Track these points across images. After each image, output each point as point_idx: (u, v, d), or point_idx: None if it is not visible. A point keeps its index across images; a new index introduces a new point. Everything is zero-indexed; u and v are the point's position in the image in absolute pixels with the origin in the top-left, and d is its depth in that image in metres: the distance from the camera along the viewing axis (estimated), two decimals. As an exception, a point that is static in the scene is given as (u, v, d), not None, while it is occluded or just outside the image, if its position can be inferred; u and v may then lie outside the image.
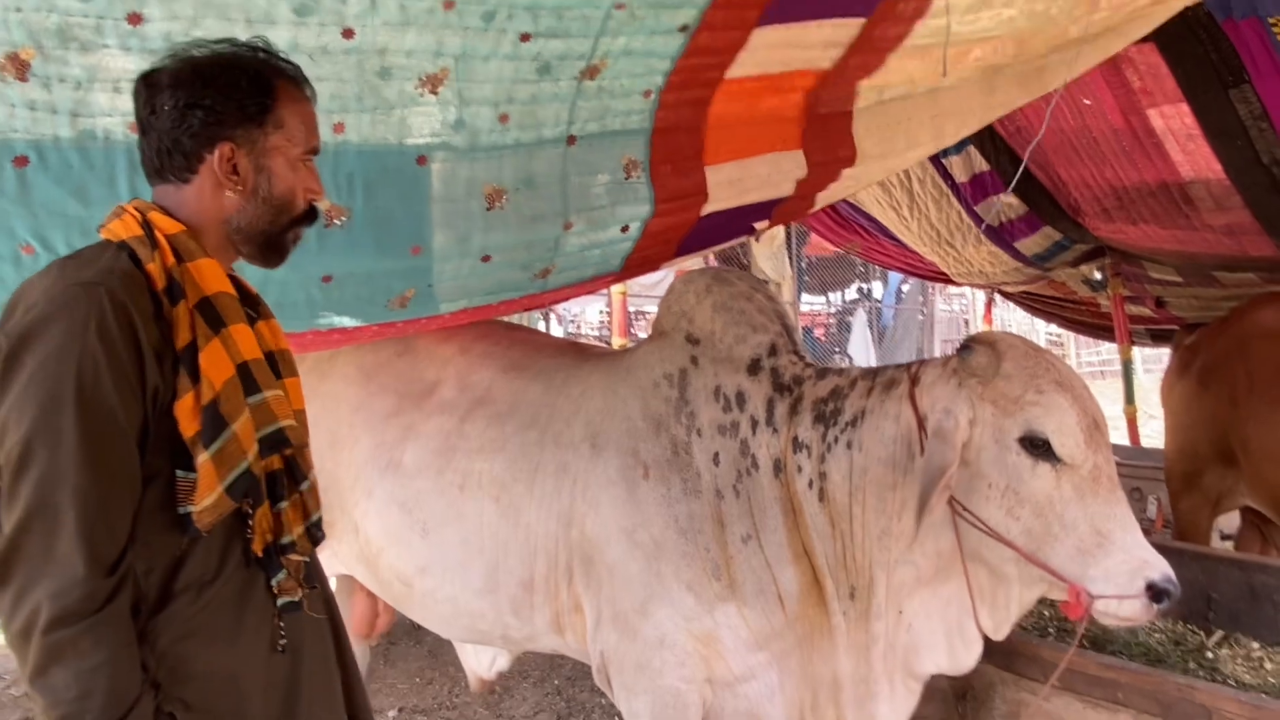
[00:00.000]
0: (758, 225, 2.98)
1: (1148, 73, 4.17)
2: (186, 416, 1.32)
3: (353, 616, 3.05)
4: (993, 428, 2.08)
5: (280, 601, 1.45)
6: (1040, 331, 13.38)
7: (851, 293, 14.16)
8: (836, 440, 2.28)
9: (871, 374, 2.36)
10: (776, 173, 2.82)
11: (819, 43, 2.37)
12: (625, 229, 2.62)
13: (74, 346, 1.24)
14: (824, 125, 2.78)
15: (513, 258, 2.48)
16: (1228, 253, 5.06)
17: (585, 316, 16.61)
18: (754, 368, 2.44)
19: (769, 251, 13.31)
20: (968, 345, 2.17)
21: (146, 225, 1.40)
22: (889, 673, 2.28)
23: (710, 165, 2.64)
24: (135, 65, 1.65)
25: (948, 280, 7.04)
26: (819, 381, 2.39)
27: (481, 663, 3.14)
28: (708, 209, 2.71)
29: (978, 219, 5.81)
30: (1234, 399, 3.90)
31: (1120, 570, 1.95)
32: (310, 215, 1.51)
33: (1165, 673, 2.26)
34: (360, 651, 3.18)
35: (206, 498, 1.32)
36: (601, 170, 2.47)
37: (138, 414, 1.29)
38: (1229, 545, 4.46)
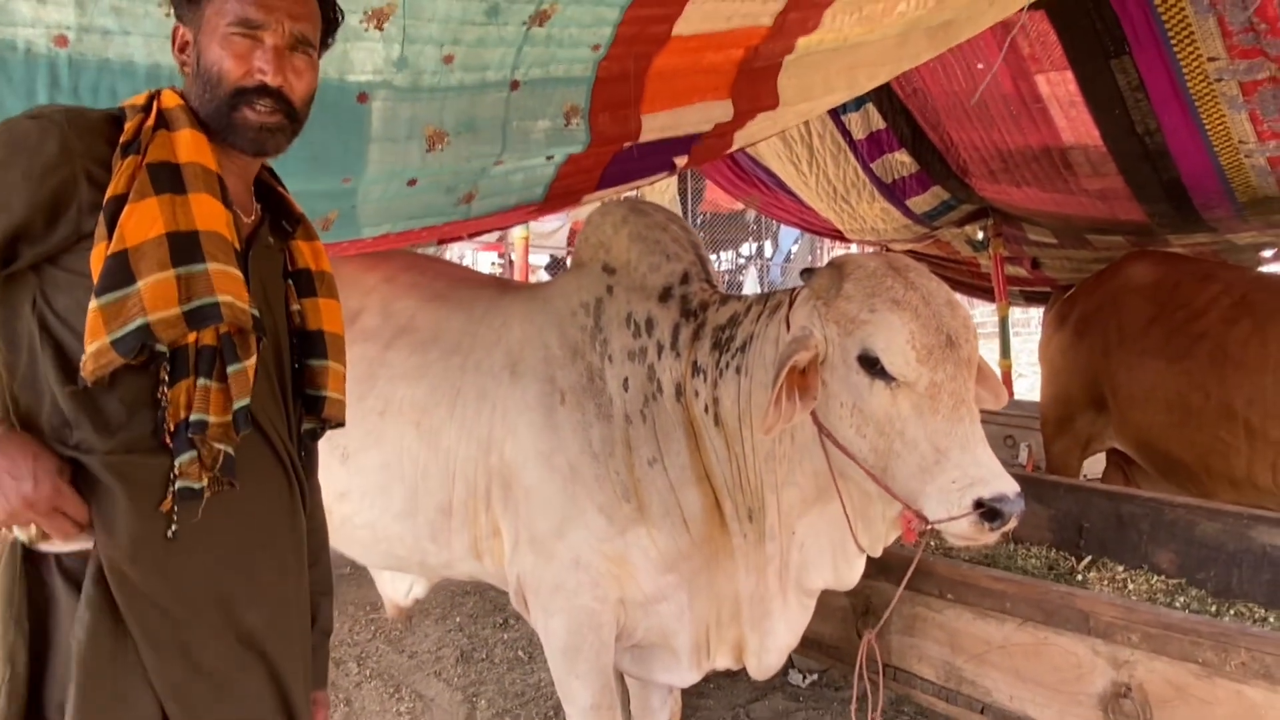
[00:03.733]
0: (677, 160, 3.04)
1: (1037, 39, 4.37)
2: (96, 266, 1.33)
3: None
4: (839, 347, 2.09)
5: (178, 485, 1.39)
6: (920, 293, 13.91)
7: (745, 250, 14.43)
8: (728, 365, 2.35)
9: (764, 299, 2.43)
10: (704, 118, 2.88)
11: None
12: (550, 157, 2.64)
13: None
14: (754, 76, 2.85)
15: (438, 181, 2.47)
16: (1100, 216, 5.39)
17: (478, 266, 16.45)
18: (665, 295, 2.51)
19: (662, 204, 13.38)
20: (811, 268, 2.26)
21: (153, 97, 1.44)
22: (784, 590, 2.39)
23: (646, 114, 2.67)
24: None
25: (841, 237, 7.27)
26: (721, 308, 2.46)
27: (398, 590, 3.16)
28: (631, 144, 2.76)
29: (873, 176, 6.02)
30: (1106, 349, 4.20)
31: (951, 489, 1.92)
32: (261, 91, 1.46)
33: (1048, 583, 2.46)
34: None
35: (91, 344, 1.32)
36: (542, 116, 2.45)
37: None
38: (1093, 487, 4.82)
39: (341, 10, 1.60)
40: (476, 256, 16.12)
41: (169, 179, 1.38)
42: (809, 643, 2.75)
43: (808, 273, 2.23)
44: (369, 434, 2.61)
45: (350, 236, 2.51)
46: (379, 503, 2.63)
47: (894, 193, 6.11)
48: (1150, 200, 4.91)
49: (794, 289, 2.40)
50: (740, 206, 10.48)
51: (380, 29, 1.96)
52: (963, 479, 1.93)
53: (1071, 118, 4.69)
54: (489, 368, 2.57)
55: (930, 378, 2.00)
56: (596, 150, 2.69)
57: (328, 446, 2.65)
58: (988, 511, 1.90)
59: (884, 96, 5.43)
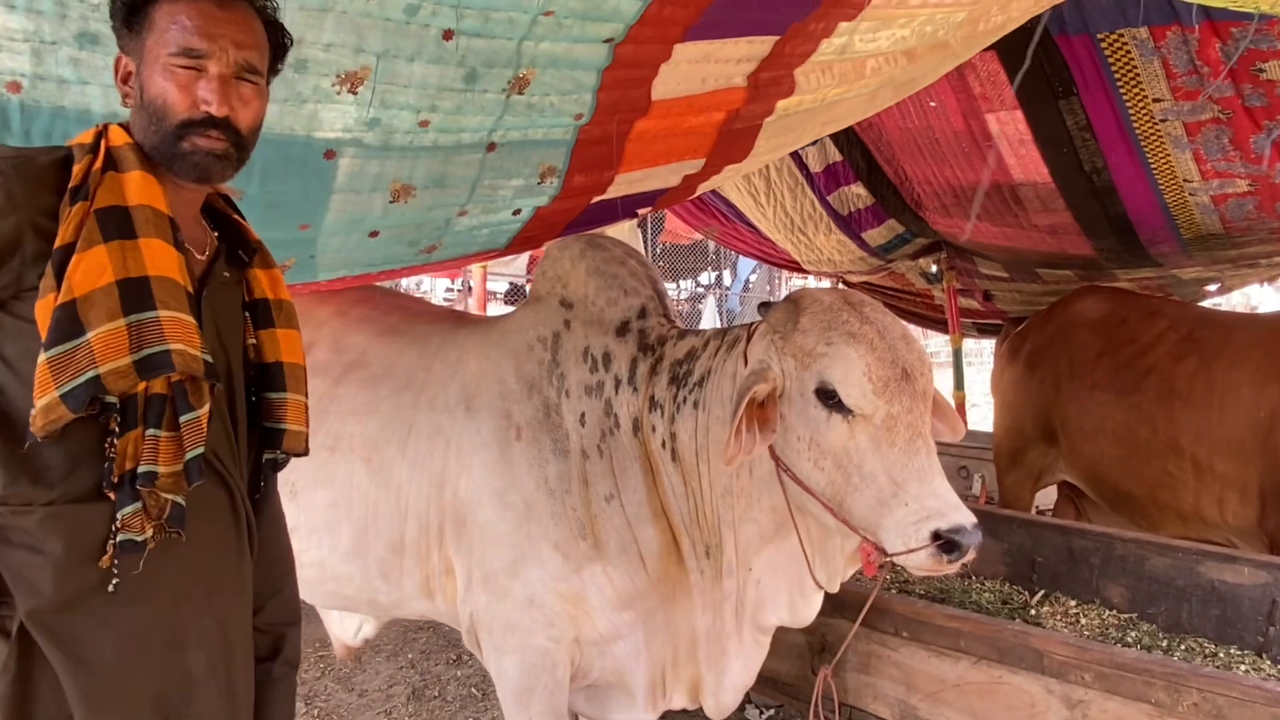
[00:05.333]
0: (640, 211, 3.04)
1: (988, 80, 4.46)
2: (44, 318, 1.30)
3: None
4: (796, 380, 2.10)
5: (119, 538, 1.35)
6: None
7: (704, 279, 14.51)
8: (685, 400, 2.35)
9: (722, 334, 2.43)
10: (675, 173, 2.89)
11: (734, 58, 2.39)
12: (517, 212, 2.62)
13: None
14: (733, 137, 2.86)
15: (401, 235, 2.44)
16: (1050, 250, 5.48)
17: (434, 295, 16.33)
18: (623, 329, 2.50)
19: (620, 233, 13.39)
20: (768, 302, 2.28)
21: (100, 135, 1.41)
22: (740, 628, 2.38)
23: (623, 174, 2.67)
24: (19, 24, 1.56)
25: (798, 268, 7.32)
26: (679, 342, 2.46)
27: (347, 630, 3.09)
28: (599, 199, 2.76)
29: (829, 208, 6.08)
30: (1057, 382, 4.26)
31: (908, 521, 1.93)
32: (208, 123, 1.43)
33: (1003, 621, 2.47)
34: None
35: (41, 399, 1.28)
36: (517, 176, 2.43)
37: None
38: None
39: (290, 35, 1.57)
40: (434, 283, 16.05)
41: (118, 224, 1.35)
42: (765, 680, 2.73)
43: (765, 307, 2.24)
44: (318, 471, 2.56)
45: (305, 280, 2.47)
46: (327, 541, 2.57)
47: (850, 225, 6.17)
48: (1098, 235, 5.00)
49: (752, 324, 2.40)
50: (699, 236, 10.55)
51: (354, 93, 1.92)
52: (920, 511, 1.95)
53: (1021, 155, 4.78)
54: (443, 403, 2.54)
55: (887, 410, 2.01)
56: (564, 204, 2.67)
57: (275, 483, 2.61)
58: (945, 543, 1.92)
59: (840, 130, 5.49)
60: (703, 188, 3.17)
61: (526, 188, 2.46)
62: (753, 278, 13.62)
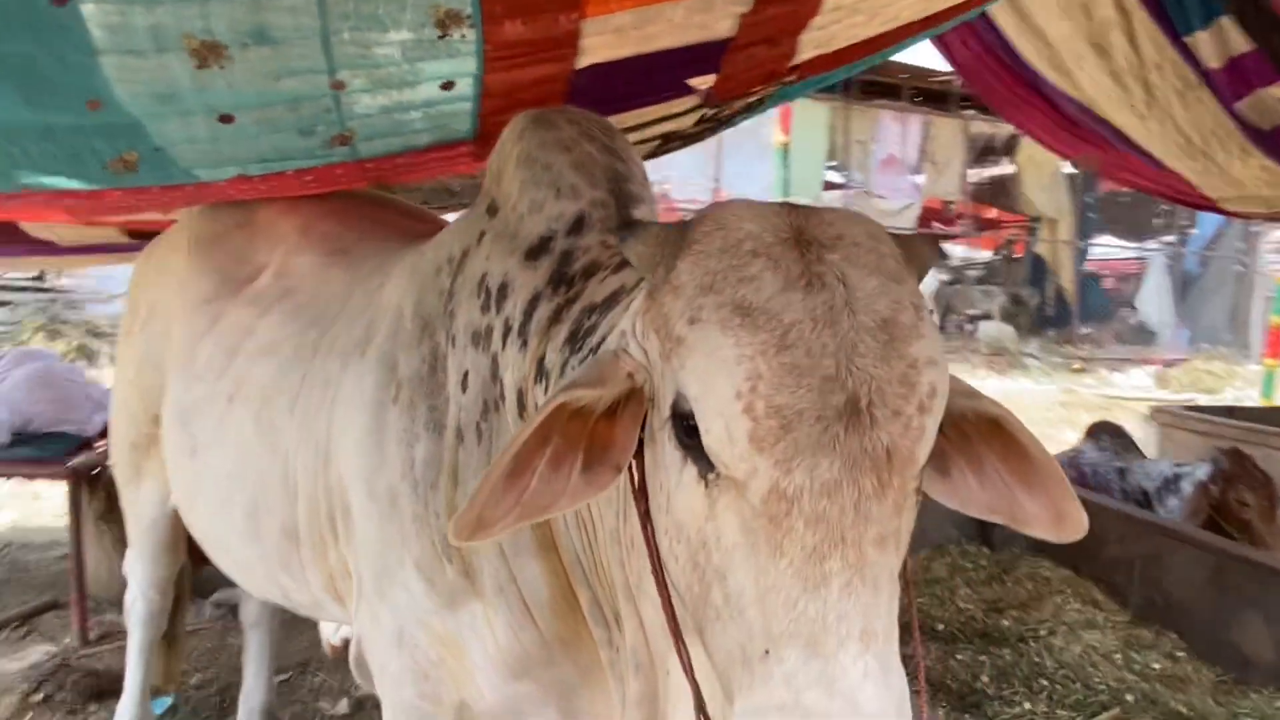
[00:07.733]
0: (693, 83, 2.09)
1: None
2: None
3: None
4: (661, 379, 1.09)
5: None
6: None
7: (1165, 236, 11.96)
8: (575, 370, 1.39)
9: None
10: (713, 15, 1.92)
11: None
12: (447, 85, 1.88)
13: None
14: None
15: (271, 119, 1.83)
16: None
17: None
18: (538, 250, 1.59)
19: (1042, 182, 11.51)
20: (633, 222, 1.22)
21: None
22: None
23: (596, 16, 1.82)
24: None
25: (1215, 208, 5.45)
26: (611, 276, 1.49)
27: (328, 626, 2.59)
28: (585, 61, 1.91)
29: (1240, 121, 4.32)
30: None
31: (761, 711, 0.91)
32: None
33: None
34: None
35: None
36: (394, 25, 1.70)
37: None
38: None
39: None
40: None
41: None
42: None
43: (625, 229, 1.22)
44: (217, 425, 2.03)
45: (179, 180, 1.97)
46: (222, 515, 2.05)
47: (1277, 144, 4.35)
48: None
49: None
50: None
51: None
52: (790, 707, 0.90)
53: None
54: (344, 345, 1.86)
55: (773, 479, 0.94)
56: (521, 72, 1.87)
57: (182, 437, 2.16)
58: None
59: (1248, 4, 3.82)
60: (807, 41, 2.09)
61: (422, 44, 1.70)
62: (1225, 232, 10.91)
